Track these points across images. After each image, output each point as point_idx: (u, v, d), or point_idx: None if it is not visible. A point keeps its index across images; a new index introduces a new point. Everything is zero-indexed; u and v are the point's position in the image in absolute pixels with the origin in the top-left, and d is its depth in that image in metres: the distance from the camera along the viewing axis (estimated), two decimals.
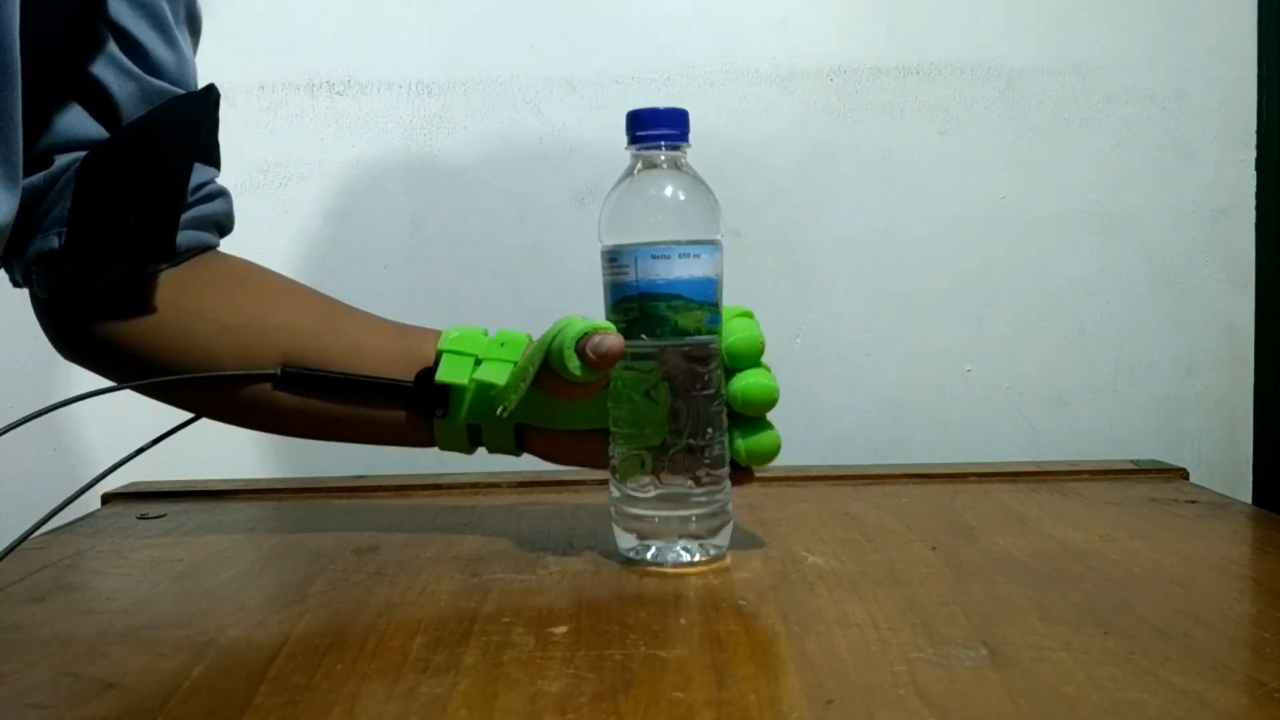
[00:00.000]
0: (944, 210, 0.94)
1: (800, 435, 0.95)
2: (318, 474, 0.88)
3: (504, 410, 0.56)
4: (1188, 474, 0.81)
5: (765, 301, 0.57)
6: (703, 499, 0.55)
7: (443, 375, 0.58)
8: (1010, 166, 0.94)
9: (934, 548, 0.59)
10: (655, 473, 0.54)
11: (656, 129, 0.54)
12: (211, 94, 0.60)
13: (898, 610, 0.48)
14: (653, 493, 0.55)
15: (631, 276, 0.53)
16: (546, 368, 0.54)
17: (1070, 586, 0.52)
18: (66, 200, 0.55)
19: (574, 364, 0.52)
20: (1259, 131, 0.93)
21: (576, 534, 0.64)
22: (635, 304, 0.53)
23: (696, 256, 0.53)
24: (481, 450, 0.62)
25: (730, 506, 0.57)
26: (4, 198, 0.49)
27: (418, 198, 0.94)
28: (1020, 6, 0.93)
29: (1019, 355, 0.95)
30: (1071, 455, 0.91)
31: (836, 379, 0.95)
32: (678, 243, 0.53)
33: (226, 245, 0.65)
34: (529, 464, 0.86)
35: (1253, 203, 0.94)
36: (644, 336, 0.53)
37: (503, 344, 0.59)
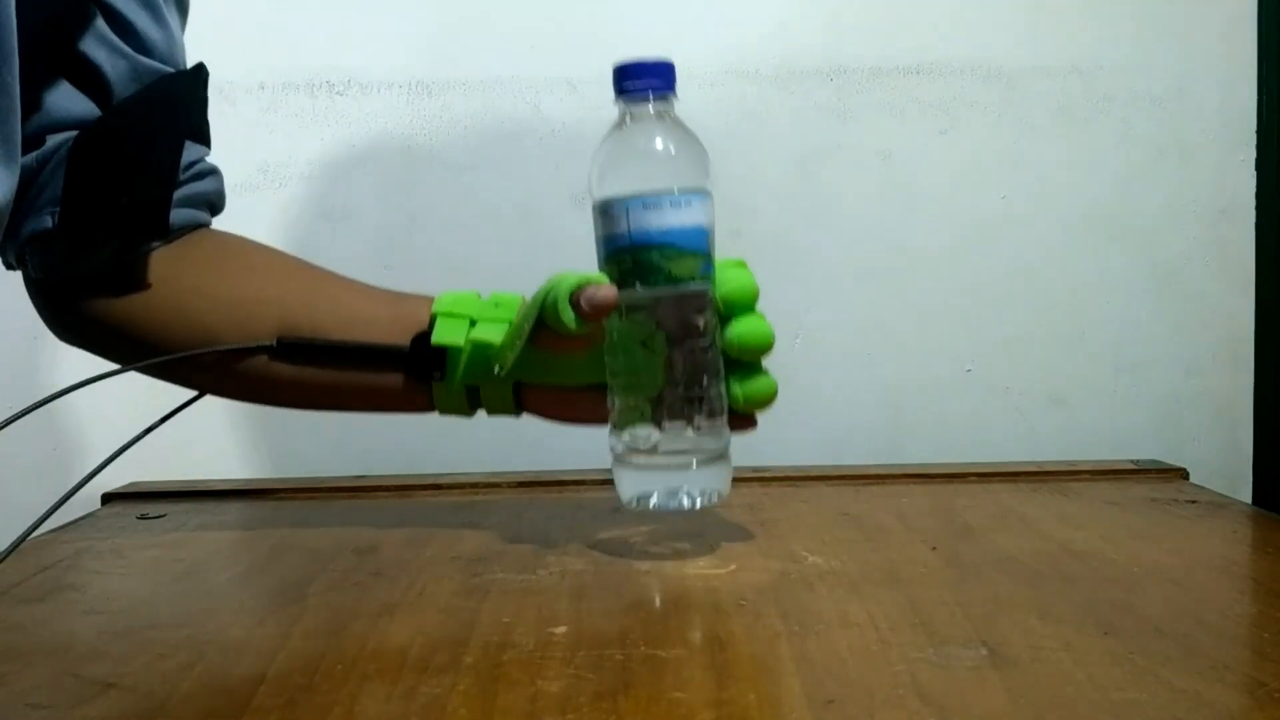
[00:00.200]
0: (944, 210, 0.94)
1: (800, 435, 0.95)
2: (318, 474, 0.88)
3: (501, 369, 0.57)
4: (1188, 474, 0.81)
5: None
6: (702, 445, 0.55)
7: (438, 337, 0.58)
8: (1010, 166, 0.94)
9: (934, 548, 0.59)
10: (654, 422, 0.55)
11: (643, 80, 0.54)
12: (201, 73, 0.60)
13: (898, 610, 0.48)
14: (652, 441, 0.55)
15: (624, 228, 0.53)
16: (542, 323, 0.54)
17: (1070, 586, 0.52)
18: (59, 180, 0.55)
19: (569, 316, 0.52)
20: (1259, 131, 0.93)
21: (576, 534, 0.63)
22: (628, 254, 0.53)
23: (688, 205, 0.53)
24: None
25: (730, 451, 0.57)
26: (3, 176, 0.49)
27: (417, 198, 0.94)
28: (1020, 6, 0.93)
29: (1019, 355, 0.95)
30: (1071, 455, 0.91)
31: (836, 379, 0.95)
32: (669, 192, 0.53)
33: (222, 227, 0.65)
34: (529, 464, 0.86)
35: (1253, 203, 0.94)
36: (638, 285, 0.53)
37: (497, 304, 0.59)
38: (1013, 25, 0.93)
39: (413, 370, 0.60)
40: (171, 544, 0.66)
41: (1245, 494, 0.95)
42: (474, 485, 0.80)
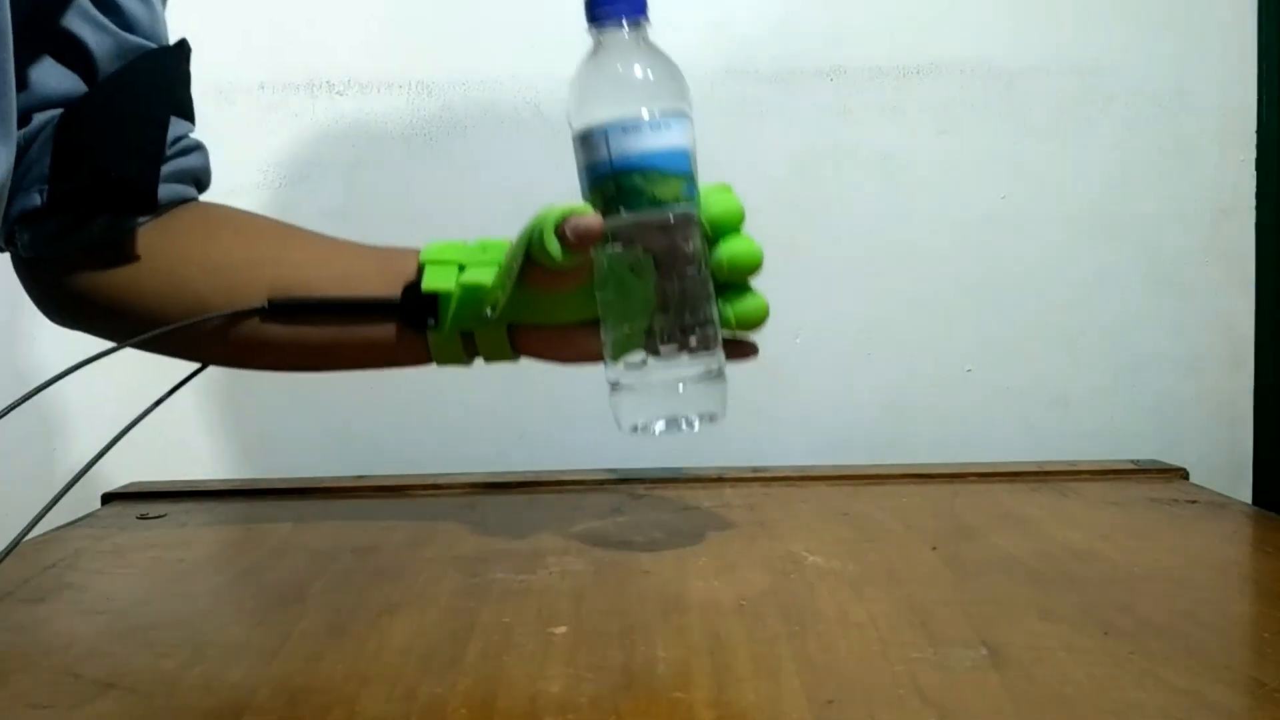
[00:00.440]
0: (944, 210, 0.94)
1: (801, 435, 0.95)
2: (318, 474, 0.88)
3: (493, 310, 0.56)
4: (1188, 474, 0.81)
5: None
6: (697, 367, 0.55)
7: (428, 284, 0.58)
8: (1011, 167, 0.94)
9: (934, 548, 0.59)
10: (647, 348, 0.55)
11: (614, 4, 0.54)
12: (184, 48, 0.60)
13: (898, 610, 0.48)
14: (647, 368, 0.55)
15: (604, 155, 0.53)
16: (530, 260, 0.54)
17: (1070, 586, 0.52)
18: (47, 158, 0.55)
19: (555, 248, 0.52)
20: (1259, 131, 0.93)
21: (576, 534, 0.64)
22: (611, 181, 0.53)
23: (668, 127, 0.53)
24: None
25: (725, 372, 0.56)
26: (1, 154, 0.49)
27: (417, 198, 0.94)
28: (1021, 7, 0.93)
29: (1019, 355, 0.95)
30: (1072, 455, 0.91)
31: (837, 379, 0.95)
32: (649, 115, 0.53)
33: None
34: (529, 464, 0.86)
35: (1253, 203, 0.94)
36: (623, 211, 0.53)
37: (484, 249, 0.59)
38: (1013, 25, 0.93)
39: (406, 320, 0.59)
40: (171, 544, 0.66)
41: (1245, 494, 0.95)
42: (474, 485, 0.80)
